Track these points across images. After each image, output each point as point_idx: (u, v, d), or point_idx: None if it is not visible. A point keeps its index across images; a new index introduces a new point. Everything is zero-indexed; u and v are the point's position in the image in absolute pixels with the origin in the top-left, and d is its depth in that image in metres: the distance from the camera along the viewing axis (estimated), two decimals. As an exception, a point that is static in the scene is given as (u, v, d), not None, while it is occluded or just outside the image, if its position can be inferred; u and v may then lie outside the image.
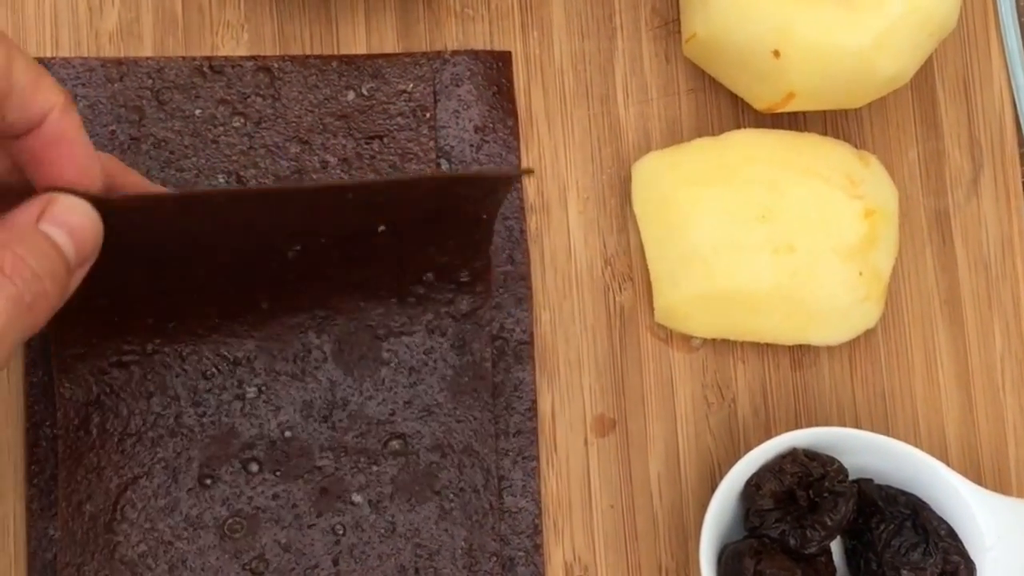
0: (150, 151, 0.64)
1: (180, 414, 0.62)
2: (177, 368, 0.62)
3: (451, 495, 0.63)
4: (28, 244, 0.51)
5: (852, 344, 0.67)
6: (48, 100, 0.54)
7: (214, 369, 0.62)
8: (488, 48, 0.67)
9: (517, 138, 0.67)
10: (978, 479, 0.67)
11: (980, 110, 0.70)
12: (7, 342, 0.48)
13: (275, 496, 0.62)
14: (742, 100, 0.68)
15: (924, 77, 0.69)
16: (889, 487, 0.63)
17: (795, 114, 0.68)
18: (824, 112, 0.68)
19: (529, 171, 0.58)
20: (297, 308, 0.62)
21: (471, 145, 0.66)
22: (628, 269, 0.67)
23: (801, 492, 0.62)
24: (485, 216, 0.60)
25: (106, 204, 0.52)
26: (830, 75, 0.62)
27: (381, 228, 0.59)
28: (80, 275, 0.53)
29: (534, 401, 0.65)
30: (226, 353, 0.62)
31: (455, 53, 0.67)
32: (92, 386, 0.61)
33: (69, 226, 0.52)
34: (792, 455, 0.62)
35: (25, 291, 0.49)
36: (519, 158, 0.66)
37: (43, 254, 0.51)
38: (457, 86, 0.66)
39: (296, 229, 0.58)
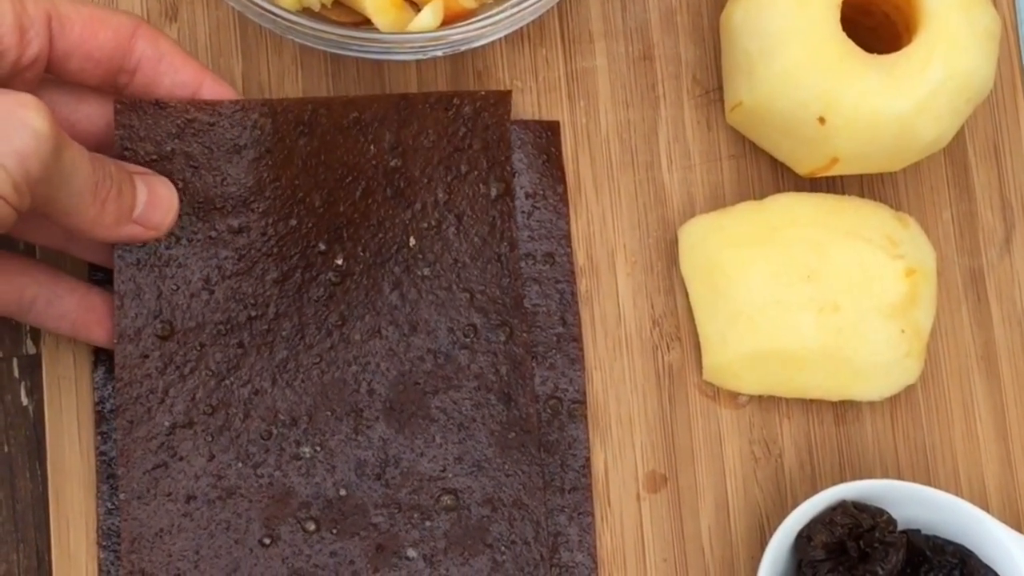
0: None
1: (239, 475, 0.63)
2: (236, 427, 0.63)
3: (503, 548, 0.64)
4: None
5: (893, 399, 0.68)
6: (123, 28, 0.60)
7: (271, 429, 0.64)
8: (537, 118, 0.69)
9: (566, 204, 0.68)
10: (1018, 527, 0.68)
11: (1010, 173, 0.71)
12: None
13: (332, 554, 0.63)
14: (782, 165, 0.69)
15: (956, 142, 0.70)
16: (936, 537, 0.64)
17: (833, 178, 0.69)
18: (861, 176, 0.69)
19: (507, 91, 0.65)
20: (346, 362, 0.64)
21: (523, 211, 0.67)
22: (675, 329, 0.68)
23: (851, 543, 0.62)
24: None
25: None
26: (873, 140, 0.63)
27: (412, 242, 0.63)
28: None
29: (588, 458, 0.66)
30: (281, 414, 0.64)
31: (506, 123, 0.68)
32: (155, 450, 0.63)
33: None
34: (841, 507, 0.63)
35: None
36: (568, 223, 0.68)
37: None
38: (508, 155, 0.68)
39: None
